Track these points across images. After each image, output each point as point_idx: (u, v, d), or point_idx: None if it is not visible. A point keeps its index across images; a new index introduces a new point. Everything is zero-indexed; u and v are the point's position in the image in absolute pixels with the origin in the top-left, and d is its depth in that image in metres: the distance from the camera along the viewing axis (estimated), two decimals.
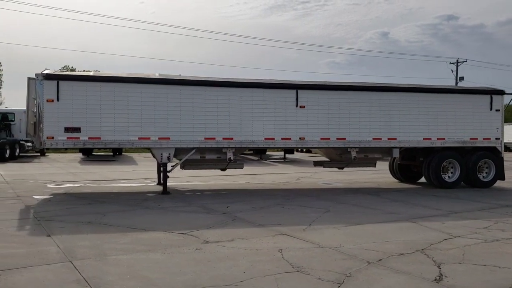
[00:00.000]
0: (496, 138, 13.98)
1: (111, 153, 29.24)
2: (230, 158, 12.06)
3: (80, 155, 28.00)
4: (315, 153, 32.14)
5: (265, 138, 12.19)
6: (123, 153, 29.37)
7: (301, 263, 5.59)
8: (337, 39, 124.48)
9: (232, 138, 11.97)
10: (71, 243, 6.44)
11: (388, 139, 13.05)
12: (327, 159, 14.41)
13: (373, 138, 12.93)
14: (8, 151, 21.92)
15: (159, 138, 11.51)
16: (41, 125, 10.83)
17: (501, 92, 14.07)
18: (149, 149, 12.80)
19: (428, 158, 13.69)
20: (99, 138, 11.17)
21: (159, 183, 13.57)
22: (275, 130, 12.23)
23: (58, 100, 10.87)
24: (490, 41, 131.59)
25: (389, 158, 14.85)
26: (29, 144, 25.01)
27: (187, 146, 11.74)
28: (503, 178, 14.03)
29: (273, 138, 12.24)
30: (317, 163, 14.47)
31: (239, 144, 12.09)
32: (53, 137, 10.90)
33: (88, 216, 8.49)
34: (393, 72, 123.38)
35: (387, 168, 15.78)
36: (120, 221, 8.12)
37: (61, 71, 11.01)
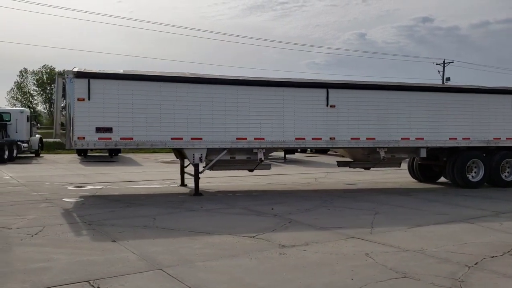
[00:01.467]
0: None
1: (107, 154, 28.58)
2: (261, 158, 11.81)
3: (75, 155, 27.26)
4: (310, 153, 32.12)
5: (296, 138, 11.98)
6: (119, 154, 28.65)
7: (400, 268, 5.41)
8: (316, 40, 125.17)
9: (263, 138, 11.72)
10: (144, 249, 6.11)
11: (416, 138, 13.00)
12: (350, 160, 14.29)
13: (402, 138, 12.86)
14: (6, 152, 21.11)
15: (191, 139, 11.18)
16: (71, 125, 10.38)
17: None
18: (173, 150, 12.50)
19: (452, 158, 13.69)
20: (132, 138, 10.78)
21: (182, 184, 13.24)
22: (306, 130, 12.03)
23: (89, 99, 10.44)
24: (464, 43, 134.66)
25: (412, 158, 14.80)
26: (25, 145, 24.19)
27: (219, 147, 11.44)
28: None
29: (304, 138, 12.05)
30: (341, 164, 14.32)
31: (270, 145, 11.84)
32: (84, 138, 10.46)
33: (139, 220, 8.14)
34: (372, 73, 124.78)
35: (397, 168, 15.39)
36: (175, 224, 7.79)
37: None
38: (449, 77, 51.06)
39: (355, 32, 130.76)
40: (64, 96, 10.56)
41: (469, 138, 13.56)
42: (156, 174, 16.80)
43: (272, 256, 5.87)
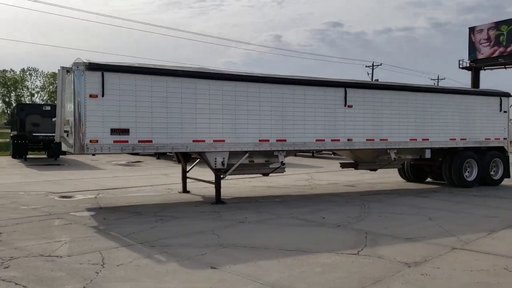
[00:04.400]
0: (504, 138, 14.68)
1: (46, 156, 25.85)
2: (282, 162, 11.03)
3: (10, 158, 24.28)
4: (294, 156, 31.50)
5: (316, 140, 11.35)
6: (60, 156, 25.92)
7: None
8: (233, 39, 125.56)
9: (285, 140, 10.94)
10: (264, 277, 5.13)
11: (422, 139, 12.98)
12: (352, 161, 13.95)
13: (410, 139, 12.76)
14: None
15: (213, 141, 10.10)
16: (81, 126, 8.84)
17: (507, 95, 14.80)
18: (176, 153, 11.25)
19: (447, 158, 13.88)
20: (151, 141, 9.45)
21: (184, 191, 12.02)
22: (325, 131, 11.44)
23: (103, 95, 8.96)
24: (370, 47, 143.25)
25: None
26: None
27: (241, 149, 10.47)
28: (508, 176, 14.77)
29: (324, 140, 11.44)
30: (345, 165, 13.92)
31: (292, 147, 11.09)
32: (97, 141, 8.96)
33: (201, 237, 7.02)
34: (288, 73, 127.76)
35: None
36: (248, 240, 6.79)
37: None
38: (378, 79, 53.35)
39: (271, 34, 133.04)
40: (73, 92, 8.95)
41: (465, 139, 13.83)
42: (133, 180, 15.25)
43: (419, 277, 5.19)
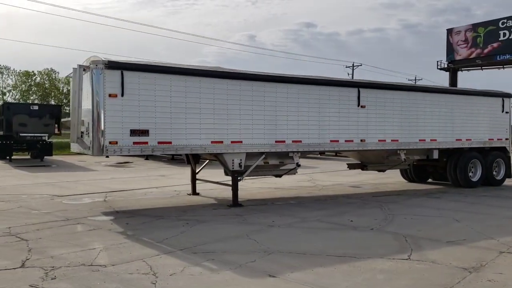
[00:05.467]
0: (505, 139, 14.88)
1: (29, 157, 25.00)
2: (298, 163, 10.84)
3: None
4: None
5: (331, 141, 11.21)
6: (45, 157, 25.00)
7: None
8: (207, 38, 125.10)
9: (300, 141, 10.75)
10: (336, 286, 4.92)
11: (431, 140, 13.01)
12: (358, 162, 13.89)
13: (419, 140, 12.77)
14: None
15: (231, 142, 9.83)
16: (100, 127, 8.44)
17: (509, 95, 15.01)
18: (194, 156, 10.92)
19: (452, 158, 13.95)
20: (170, 142, 9.12)
21: (193, 193, 11.69)
22: (339, 131, 11.31)
23: (122, 95, 8.58)
24: (343, 48, 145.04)
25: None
26: None
27: (258, 150, 10.23)
28: (510, 176, 14.98)
29: (338, 141, 11.31)
30: (352, 166, 13.84)
31: (307, 148, 10.91)
32: (117, 142, 8.58)
33: (239, 242, 6.78)
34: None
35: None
36: (286, 246, 6.56)
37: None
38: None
39: (245, 33, 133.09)
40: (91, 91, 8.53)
41: (471, 139, 13.93)
42: (134, 181, 14.81)
43: (488, 285, 5.06)
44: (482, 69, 50.08)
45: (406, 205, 10.51)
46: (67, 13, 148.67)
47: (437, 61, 51.16)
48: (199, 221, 8.37)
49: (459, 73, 51.18)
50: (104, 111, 8.42)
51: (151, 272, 5.30)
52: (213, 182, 11.34)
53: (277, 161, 10.96)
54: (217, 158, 10.15)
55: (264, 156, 10.40)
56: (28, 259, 5.77)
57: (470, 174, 14.16)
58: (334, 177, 16.61)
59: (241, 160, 10.00)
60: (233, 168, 9.94)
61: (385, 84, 12.40)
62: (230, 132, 9.80)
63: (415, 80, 64.19)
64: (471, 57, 48.52)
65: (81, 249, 6.26)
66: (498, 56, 46.65)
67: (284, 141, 10.51)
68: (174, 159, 24.82)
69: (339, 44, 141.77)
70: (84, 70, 8.71)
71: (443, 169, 14.44)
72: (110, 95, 8.46)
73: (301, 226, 8.09)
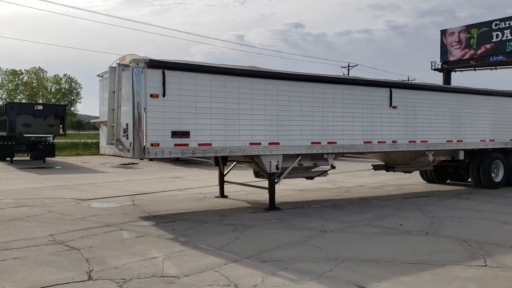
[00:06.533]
0: None
1: (29, 158, 24.37)
2: (332, 165, 10.59)
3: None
4: None
5: (364, 142, 10.99)
6: (46, 159, 24.39)
7: None
8: (196, 38, 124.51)
9: (335, 143, 10.51)
10: None
11: (457, 141, 12.88)
12: (383, 163, 13.69)
13: (447, 141, 12.63)
14: None
15: (269, 144, 9.54)
16: (141, 129, 8.09)
17: None
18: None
19: (475, 159, 13.85)
20: (210, 144, 8.79)
21: (222, 196, 11.39)
22: (372, 132, 11.10)
23: (164, 95, 8.24)
24: (332, 49, 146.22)
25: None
26: None
27: (295, 152, 9.96)
28: None
29: (371, 142, 11.09)
30: (377, 168, 13.64)
31: (341, 149, 10.67)
32: (158, 144, 8.24)
33: (305, 249, 6.48)
34: None
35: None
36: (356, 253, 6.30)
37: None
38: None
39: (234, 33, 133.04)
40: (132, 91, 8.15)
41: (494, 140, 13.85)
42: (151, 184, 14.43)
43: None
44: (475, 69, 50.49)
45: (443, 207, 10.32)
46: (55, 9, 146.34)
47: (431, 62, 51.43)
48: (245, 226, 8.06)
49: (452, 74, 51.60)
50: (146, 112, 8.06)
51: (232, 283, 4.99)
52: (248, 185, 11.05)
53: (311, 163, 10.72)
54: (252, 161, 9.85)
55: (300, 157, 10.13)
56: (91, 271, 5.41)
57: (493, 174, 14.08)
58: (352, 178, 16.41)
59: (278, 162, 9.72)
60: (270, 170, 9.65)
61: (415, 85, 12.31)
62: (268, 133, 9.51)
63: (408, 80, 64.45)
64: (465, 58, 48.87)
65: (142, 258, 5.91)
66: (491, 57, 47.04)
67: (319, 143, 10.26)
68: (178, 160, 24.37)
69: (327, 44, 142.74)
70: (122, 69, 8.34)
71: (465, 170, 14.37)
72: (152, 95, 8.11)
73: (354, 232, 7.83)
